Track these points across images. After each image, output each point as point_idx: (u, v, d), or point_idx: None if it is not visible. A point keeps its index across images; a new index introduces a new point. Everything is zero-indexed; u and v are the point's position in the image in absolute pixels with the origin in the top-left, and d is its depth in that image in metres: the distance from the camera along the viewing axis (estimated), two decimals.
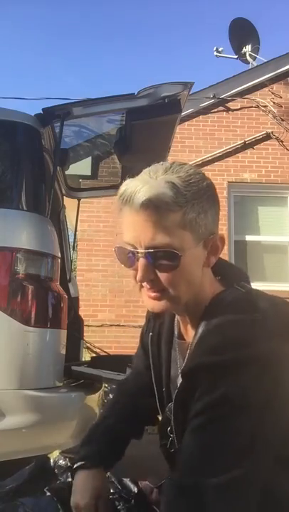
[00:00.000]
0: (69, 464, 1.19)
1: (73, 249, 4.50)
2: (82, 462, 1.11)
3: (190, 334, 1.04)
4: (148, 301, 0.98)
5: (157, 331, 1.15)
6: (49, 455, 1.25)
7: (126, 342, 6.24)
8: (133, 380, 1.33)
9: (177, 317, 1.10)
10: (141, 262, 0.93)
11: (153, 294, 0.96)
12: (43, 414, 2.19)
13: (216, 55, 7.83)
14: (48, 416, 2.21)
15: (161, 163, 1.00)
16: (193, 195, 0.93)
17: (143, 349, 1.25)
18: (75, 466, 1.13)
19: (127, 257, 0.96)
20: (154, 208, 0.90)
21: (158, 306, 0.97)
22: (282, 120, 6.76)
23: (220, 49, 7.81)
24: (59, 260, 2.43)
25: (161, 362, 1.12)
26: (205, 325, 0.97)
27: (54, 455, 1.24)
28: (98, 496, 1.06)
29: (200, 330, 0.99)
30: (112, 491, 1.15)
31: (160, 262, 0.93)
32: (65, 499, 1.08)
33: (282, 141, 6.75)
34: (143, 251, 0.93)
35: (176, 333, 1.10)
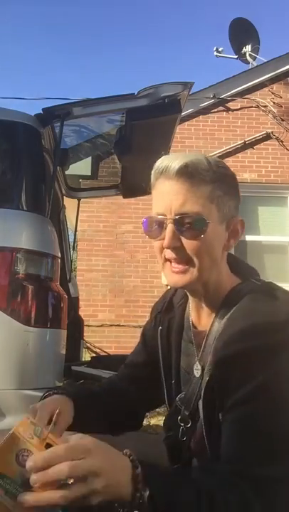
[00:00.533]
0: None
1: (73, 249, 4.50)
2: (51, 391, 1.16)
3: (204, 323, 1.07)
4: (171, 276, 1.00)
5: (167, 324, 1.16)
6: None
7: (126, 342, 6.23)
8: (126, 374, 1.31)
9: (189, 308, 1.12)
10: (169, 228, 0.96)
11: (177, 268, 0.98)
12: None
13: (216, 55, 7.83)
14: None
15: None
16: (222, 176, 0.99)
17: (144, 345, 1.26)
18: (43, 395, 1.16)
19: (155, 226, 0.99)
20: (189, 175, 0.96)
21: (181, 280, 0.99)
22: (282, 120, 6.76)
23: (220, 49, 7.82)
24: (59, 260, 2.43)
25: (171, 355, 1.14)
26: (225, 313, 1.00)
27: None
28: (59, 412, 1.01)
29: (218, 319, 1.02)
30: None
31: (188, 227, 0.96)
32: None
33: (282, 141, 6.75)
34: (172, 217, 0.96)
35: (190, 323, 1.11)
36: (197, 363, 1.06)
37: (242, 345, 0.90)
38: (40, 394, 2.18)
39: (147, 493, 0.71)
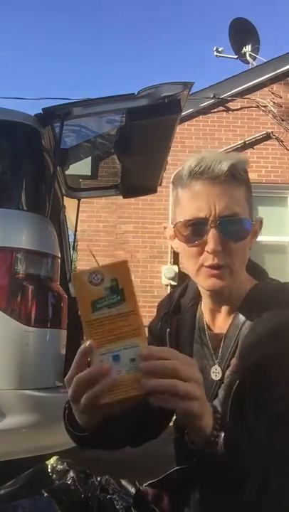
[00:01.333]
0: (67, 468, 1.18)
1: (73, 249, 4.50)
2: None
3: (221, 325, 1.04)
4: (207, 280, 0.97)
5: (175, 326, 1.13)
6: (46, 462, 1.23)
7: None
8: None
9: (201, 310, 1.10)
10: (213, 232, 0.93)
11: (216, 271, 0.95)
12: (43, 414, 2.19)
13: (216, 55, 7.83)
14: (48, 416, 2.21)
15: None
16: (247, 176, 1.00)
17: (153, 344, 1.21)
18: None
19: (193, 230, 0.96)
20: (233, 177, 0.95)
21: (219, 284, 0.96)
22: (282, 120, 6.76)
23: (220, 49, 7.82)
24: (59, 260, 2.43)
25: None
26: (246, 315, 0.99)
27: (52, 461, 1.23)
28: None
29: (238, 320, 1.00)
30: (110, 491, 1.15)
31: (234, 230, 0.95)
32: (63, 500, 1.08)
33: (282, 141, 6.75)
34: (216, 220, 0.93)
35: (204, 325, 1.08)
36: (216, 366, 1.02)
37: (275, 347, 0.91)
38: (40, 394, 2.19)
39: (222, 434, 0.77)
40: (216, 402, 1.00)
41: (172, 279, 6.37)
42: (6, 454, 2.13)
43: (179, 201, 1.00)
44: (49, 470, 1.20)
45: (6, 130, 2.56)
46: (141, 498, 1.13)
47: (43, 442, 2.24)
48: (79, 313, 0.74)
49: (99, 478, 1.15)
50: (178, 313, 1.14)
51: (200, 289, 1.07)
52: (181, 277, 6.33)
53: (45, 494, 1.10)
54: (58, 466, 1.19)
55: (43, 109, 2.63)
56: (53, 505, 1.07)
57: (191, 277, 1.04)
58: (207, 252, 0.94)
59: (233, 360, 0.99)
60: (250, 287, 1.03)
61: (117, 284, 0.72)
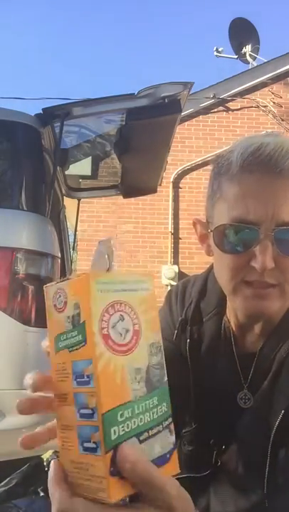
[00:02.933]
0: None
1: (73, 249, 4.50)
2: None
3: (251, 343, 0.89)
4: (249, 302, 0.77)
5: (196, 336, 0.94)
6: (42, 456, 1.23)
7: None
8: None
9: (227, 318, 0.92)
10: (266, 243, 0.71)
11: (263, 291, 0.75)
12: (43, 414, 2.19)
13: (216, 55, 7.83)
14: (48, 416, 2.20)
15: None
16: None
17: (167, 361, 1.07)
18: None
19: (240, 237, 0.73)
20: None
21: (265, 306, 0.76)
22: (282, 120, 6.76)
23: (220, 49, 7.82)
24: (59, 260, 2.43)
25: (204, 371, 0.93)
26: (285, 334, 0.84)
27: (47, 455, 1.23)
28: None
29: (276, 338, 0.85)
30: None
31: None
32: None
33: None
34: (273, 228, 0.71)
35: (232, 340, 0.91)
36: (246, 391, 0.87)
37: None
38: (40, 394, 2.19)
39: None
40: (243, 427, 0.88)
41: (172, 279, 6.38)
42: (6, 454, 2.13)
43: (222, 196, 0.77)
44: (45, 464, 1.20)
45: (6, 130, 2.56)
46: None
47: None
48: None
49: None
50: (198, 320, 0.95)
51: (229, 298, 0.86)
52: (181, 277, 6.33)
53: (41, 494, 1.10)
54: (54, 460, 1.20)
55: (43, 109, 2.63)
56: (48, 506, 1.07)
57: (226, 293, 0.83)
58: (254, 266, 0.73)
59: (266, 383, 0.85)
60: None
61: (79, 313, 0.46)
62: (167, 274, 6.40)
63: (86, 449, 0.45)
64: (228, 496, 0.90)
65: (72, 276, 0.48)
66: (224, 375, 0.90)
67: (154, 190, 3.65)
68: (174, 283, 6.36)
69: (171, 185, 6.71)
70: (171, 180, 6.71)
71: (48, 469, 1.19)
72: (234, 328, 0.90)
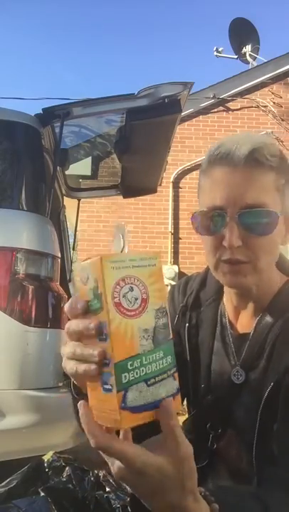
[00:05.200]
0: (64, 464, 1.18)
1: (73, 249, 4.50)
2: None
3: (245, 324, 0.97)
4: (226, 276, 0.88)
5: (195, 321, 1.04)
6: (43, 457, 1.23)
7: None
8: None
9: (223, 305, 1.01)
10: (232, 225, 0.83)
11: (235, 267, 0.86)
12: (43, 414, 2.19)
13: (216, 55, 7.83)
14: (48, 416, 2.21)
15: None
16: (284, 162, 0.88)
17: None
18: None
19: (211, 222, 0.86)
20: (256, 162, 0.84)
21: (240, 282, 0.88)
22: (282, 120, 6.76)
23: (220, 49, 7.82)
24: (59, 260, 2.43)
25: (202, 356, 1.02)
26: (276, 314, 0.91)
27: (48, 456, 1.23)
28: None
29: (267, 319, 0.92)
30: (107, 489, 1.15)
31: (256, 223, 0.84)
32: (59, 499, 1.08)
33: (282, 141, 6.75)
34: (236, 211, 0.83)
35: (227, 323, 1.00)
36: (239, 368, 0.95)
37: None
38: (40, 394, 2.19)
39: None
40: (237, 407, 0.95)
41: (172, 279, 6.38)
42: (6, 454, 2.13)
43: (201, 189, 0.91)
44: (45, 466, 1.19)
45: (6, 130, 2.56)
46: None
47: (43, 442, 2.24)
48: None
49: (96, 472, 1.14)
50: (197, 307, 1.05)
51: (213, 275, 0.96)
52: (181, 277, 6.32)
53: (42, 493, 1.10)
54: (55, 462, 1.19)
55: (43, 109, 2.63)
56: (49, 505, 1.06)
57: (211, 271, 0.95)
58: (225, 245, 0.85)
59: (260, 362, 0.92)
60: (282, 285, 0.94)
61: (97, 286, 0.59)
62: (167, 274, 6.39)
63: (105, 390, 0.59)
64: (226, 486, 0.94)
65: (93, 257, 0.60)
66: (220, 356, 0.99)
67: (154, 190, 3.65)
68: (174, 283, 6.35)
69: (171, 185, 6.71)
70: (171, 180, 6.71)
71: (50, 471, 1.20)
72: (230, 313, 1.00)
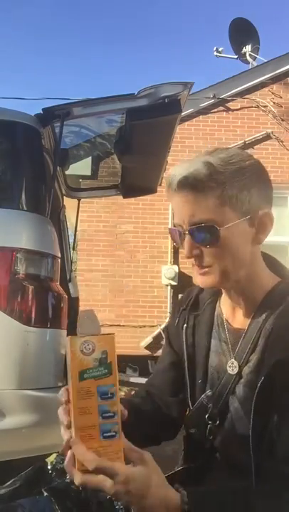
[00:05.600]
0: None
1: (73, 249, 4.50)
2: None
3: (241, 321, 1.06)
4: (197, 278, 1.03)
5: (192, 322, 1.15)
6: (47, 459, 1.24)
7: (126, 342, 6.23)
8: (158, 380, 1.25)
9: (220, 306, 1.12)
10: (186, 239, 0.99)
11: (201, 270, 1.01)
12: (43, 414, 2.19)
13: (216, 55, 7.83)
14: (48, 416, 2.20)
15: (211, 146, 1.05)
16: (234, 173, 0.97)
17: (169, 345, 1.22)
18: None
19: (177, 237, 1.02)
20: (190, 186, 0.96)
21: (206, 281, 1.02)
22: (282, 120, 6.76)
23: (220, 49, 7.82)
24: (59, 260, 2.43)
25: (197, 353, 1.13)
26: (269, 311, 1.01)
27: (52, 458, 1.24)
28: None
29: (259, 317, 1.02)
30: None
31: (202, 237, 0.97)
32: (62, 499, 1.08)
33: (282, 141, 6.75)
34: (187, 228, 0.98)
35: (223, 320, 1.10)
36: (233, 360, 1.04)
37: None
38: (40, 394, 2.19)
39: None
40: (233, 400, 1.02)
41: (172, 279, 6.38)
42: (6, 454, 2.13)
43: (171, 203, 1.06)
44: (49, 468, 1.20)
45: (6, 130, 2.56)
46: None
47: (43, 442, 2.24)
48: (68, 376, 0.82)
49: None
50: (196, 309, 1.16)
51: None
52: (181, 277, 6.33)
53: (45, 494, 1.10)
54: (58, 464, 1.20)
55: (43, 109, 2.63)
56: (52, 505, 1.06)
57: None
58: (185, 256, 1.01)
59: (254, 356, 1.00)
60: (274, 285, 1.04)
61: (106, 356, 0.80)
62: (167, 274, 6.39)
63: (106, 438, 0.79)
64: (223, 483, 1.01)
65: (97, 334, 0.83)
66: (217, 353, 1.09)
67: (154, 190, 3.65)
68: (174, 283, 6.36)
69: None
70: None
71: (53, 473, 1.20)
72: (226, 312, 1.10)
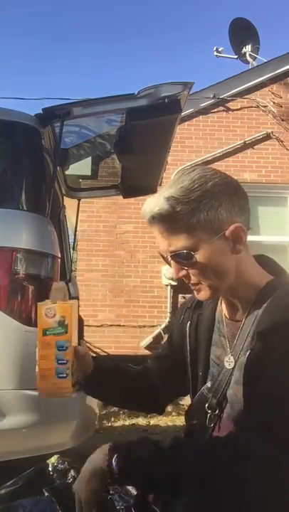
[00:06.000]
0: (68, 467, 1.18)
1: (73, 249, 4.50)
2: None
3: (239, 317, 1.15)
4: (193, 293, 1.14)
5: (196, 320, 1.25)
6: (47, 460, 1.24)
7: (126, 342, 6.23)
8: (152, 364, 1.39)
9: (221, 304, 1.21)
10: (172, 263, 1.10)
11: (193, 287, 1.12)
12: (43, 414, 2.19)
13: (216, 55, 7.82)
14: (48, 416, 2.21)
15: (177, 174, 1.10)
16: (198, 199, 1.04)
17: (170, 340, 1.35)
18: None
19: (166, 259, 1.12)
20: (159, 221, 1.06)
21: (200, 296, 1.13)
22: (282, 120, 6.76)
23: (220, 49, 7.81)
24: (59, 260, 2.43)
25: (199, 348, 1.22)
26: (260, 306, 1.09)
27: (53, 460, 1.24)
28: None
29: (253, 311, 1.11)
30: (111, 491, 1.15)
31: (182, 262, 1.08)
32: (63, 499, 1.08)
33: (282, 141, 6.75)
34: (169, 254, 1.09)
35: (223, 317, 1.20)
36: (230, 355, 1.14)
37: (281, 318, 1.02)
38: None
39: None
40: (230, 388, 1.12)
41: (172, 279, 6.37)
42: (6, 454, 2.13)
43: None
44: (50, 469, 1.20)
45: (6, 130, 2.56)
46: (142, 497, 1.13)
47: (43, 442, 2.24)
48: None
49: None
50: (199, 307, 1.26)
51: None
52: None
53: (46, 494, 1.10)
54: (59, 466, 1.20)
55: (43, 109, 2.63)
56: (53, 505, 1.07)
57: None
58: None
59: (248, 346, 1.09)
60: (266, 283, 1.12)
61: (64, 320, 1.10)
62: (167, 274, 6.38)
63: (60, 378, 1.10)
64: None
65: (58, 301, 1.14)
66: (218, 347, 1.19)
67: (154, 190, 3.64)
68: (174, 283, 6.35)
69: None
70: None
71: (54, 474, 1.22)
72: (226, 310, 1.19)
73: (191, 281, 1.11)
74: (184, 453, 0.98)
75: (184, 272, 1.09)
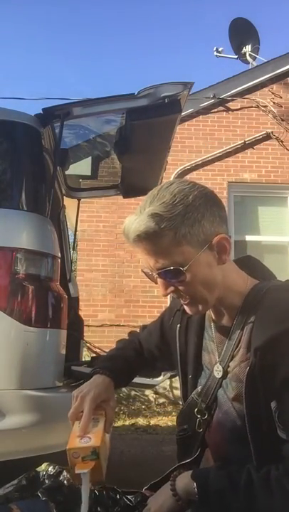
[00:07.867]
0: (59, 470, 1.18)
1: (73, 249, 4.49)
2: (99, 369, 1.25)
3: (226, 323, 1.15)
4: (185, 308, 1.13)
5: (185, 323, 1.24)
6: (37, 468, 1.23)
7: None
8: (144, 337, 1.45)
9: (210, 310, 1.19)
10: (159, 281, 1.07)
11: (184, 302, 1.11)
12: (43, 414, 2.19)
13: (216, 55, 7.83)
14: (48, 416, 2.21)
15: (154, 190, 1.08)
16: (181, 213, 1.02)
17: (161, 330, 1.37)
18: (92, 370, 1.27)
19: (151, 277, 1.09)
20: (145, 239, 1.02)
21: (192, 310, 1.11)
22: (282, 120, 6.76)
23: (220, 49, 7.82)
24: (59, 260, 2.43)
25: (189, 352, 1.22)
26: (248, 311, 1.09)
27: (43, 467, 1.23)
28: (105, 400, 1.18)
29: (241, 316, 1.10)
30: (110, 491, 1.15)
31: (170, 278, 1.05)
32: (58, 500, 1.08)
33: (282, 141, 6.75)
34: (155, 272, 1.06)
35: (211, 322, 1.19)
36: (218, 364, 1.13)
37: (275, 331, 1.00)
38: (40, 394, 2.20)
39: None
40: (220, 393, 1.13)
41: None
42: (6, 454, 2.13)
43: None
44: (41, 475, 1.19)
45: (6, 130, 2.56)
46: (142, 499, 1.13)
47: (43, 442, 2.24)
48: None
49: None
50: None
51: None
52: None
53: (41, 496, 1.10)
54: (50, 469, 1.19)
55: (43, 109, 2.63)
56: (48, 506, 1.06)
57: None
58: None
59: (239, 351, 1.09)
60: (250, 288, 1.12)
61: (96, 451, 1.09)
62: None
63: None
64: None
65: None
66: (208, 352, 1.19)
67: None
68: None
69: None
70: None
71: (45, 480, 1.21)
72: (214, 314, 1.18)
73: (181, 296, 1.09)
74: (256, 490, 0.98)
75: (172, 288, 1.07)
